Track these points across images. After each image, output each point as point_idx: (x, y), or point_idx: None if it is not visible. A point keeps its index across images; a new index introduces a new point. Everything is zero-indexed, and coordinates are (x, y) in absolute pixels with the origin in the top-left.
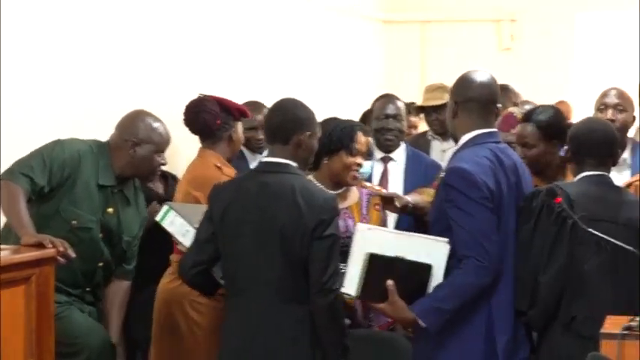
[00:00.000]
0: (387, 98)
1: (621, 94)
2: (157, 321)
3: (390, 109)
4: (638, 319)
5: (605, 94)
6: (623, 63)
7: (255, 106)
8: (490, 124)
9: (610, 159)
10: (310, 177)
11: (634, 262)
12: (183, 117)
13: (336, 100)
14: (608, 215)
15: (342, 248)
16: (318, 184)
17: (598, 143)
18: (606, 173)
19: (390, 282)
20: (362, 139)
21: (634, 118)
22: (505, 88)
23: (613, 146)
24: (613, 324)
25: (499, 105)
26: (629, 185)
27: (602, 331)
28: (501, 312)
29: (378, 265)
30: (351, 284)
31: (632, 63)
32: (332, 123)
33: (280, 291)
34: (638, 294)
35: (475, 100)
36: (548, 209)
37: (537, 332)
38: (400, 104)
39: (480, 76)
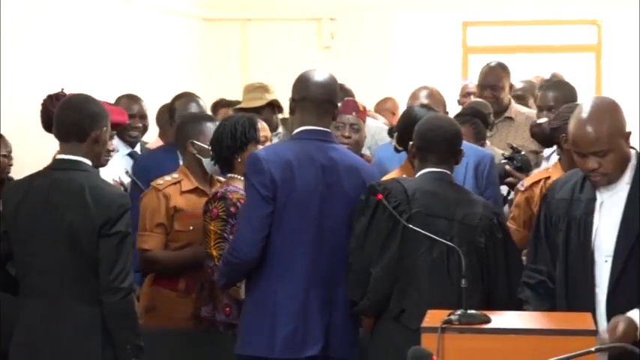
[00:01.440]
0: (189, 97)
1: (431, 94)
2: None
3: (193, 108)
4: (458, 312)
5: (415, 96)
6: (442, 62)
7: (133, 97)
8: (323, 122)
9: (452, 156)
10: (237, 181)
11: (460, 258)
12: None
13: (155, 99)
14: (444, 212)
15: None
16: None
17: (441, 140)
18: (447, 171)
19: None
20: (262, 126)
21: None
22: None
23: (456, 144)
24: (434, 318)
25: (339, 104)
26: (537, 182)
27: (423, 325)
28: (285, 302)
29: None
30: None
31: (450, 62)
32: (224, 124)
33: (71, 290)
34: (463, 289)
35: (309, 99)
36: (384, 204)
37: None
38: (201, 103)
39: (318, 76)
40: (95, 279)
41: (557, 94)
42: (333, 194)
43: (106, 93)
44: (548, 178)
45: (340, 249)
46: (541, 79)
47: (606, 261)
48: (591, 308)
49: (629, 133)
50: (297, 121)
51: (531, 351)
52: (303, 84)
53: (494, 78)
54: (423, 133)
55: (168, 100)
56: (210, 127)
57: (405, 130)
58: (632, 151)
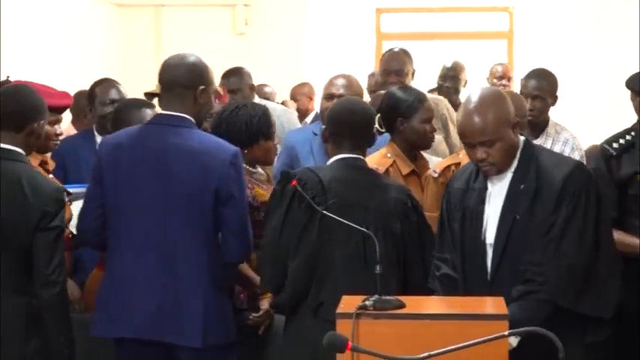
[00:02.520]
0: (109, 83)
1: (349, 85)
2: None
3: (114, 94)
4: (372, 298)
5: (331, 84)
6: (356, 49)
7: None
8: (174, 107)
9: (366, 141)
10: None
11: (377, 246)
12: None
13: (68, 85)
14: (359, 200)
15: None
16: None
17: (356, 125)
18: (361, 156)
19: None
20: (274, 121)
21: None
22: (238, 71)
23: (370, 129)
24: (348, 304)
25: (201, 87)
26: (448, 167)
27: (338, 311)
28: (119, 284)
29: None
30: None
31: (364, 48)
32: (234, 116)
33: (3, 282)
34: (377, 275)
35: (168, 83)
36: (301, 195)
37: (285, 315)
38: (122, 89)
39: (175, 60)
40: (23, 269)
41: (541, 82)
42: (165, 177)
43: (14, 79)
44: (459, 164)
45: (179, 235)
46: (444, 67)
47: (491, 248)
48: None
49: (517, 122)
50: (161, 106)
51: (445, 335)
52: (163, 69)
53: (398, 63)
54: (337, 118)
55: (81, 86)
56: (150, 114)
57: (387, 111)
58: (521, 139)
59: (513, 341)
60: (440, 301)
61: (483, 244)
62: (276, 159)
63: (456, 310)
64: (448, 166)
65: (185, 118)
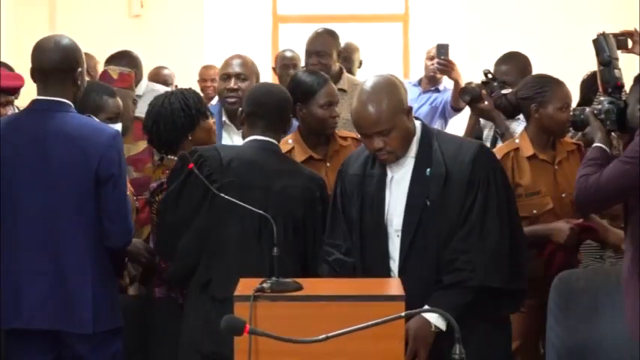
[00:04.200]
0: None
1: (244, 63)
2: None
3: None
4: (270, 280)
5: (227, 64)
6: (253, 31)
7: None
8: (53, 92)
9: (281, 125)
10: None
11: (273, 229)
12: None
13: None
14: (261, 182)
15: None
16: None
17: (271, 107)
18: (274, 140)
19: None
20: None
21: None
22: (127, 55)
23: (285, 113)
24: (246, 286)
25: (79, 69)
26: (507, 154)
27: (236, 293)
28: (6, 276)
29: None
30: None
31: (261, 31)
32: (168, 106)
33: None
34: (275, 258)
35: (39, 69)
36: (199, 173)
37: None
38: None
39: (50, 44)
40: None
41: (508, 66)
42: (46, 164)
43: None
44: (517, 149)
45: (64, 223)
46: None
47: (398, 235)
48: None
49: (410, 108)
50: (39, 91)
51: (343, 317)
52: (32, 53)
53: (320, 44)
54: (252, 99)
55: None
56: (110, 102)
57: (292, 97)
58: (417, 124)
59: (442, 325)
60: (338, 283)
61: (386, 230)
62: None
63: (354, 292)
64: (507, 153)
65: (64, 102)
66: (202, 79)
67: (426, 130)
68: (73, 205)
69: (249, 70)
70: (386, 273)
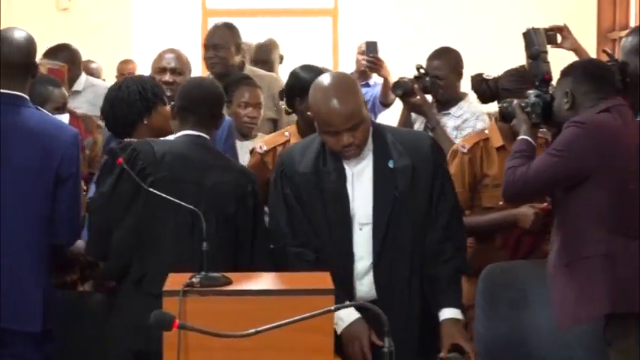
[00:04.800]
0: None
1: (179, 57)
2: None
3: None
4: (199, 275)
5: (161, 57)
6: (182, 25)
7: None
8: (18, 86)
9: (213, 120)
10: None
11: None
12: None
13: None
14: (193, 177)
15: None
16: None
17: (202, 102)
18: (206, 135)
19: None
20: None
21: None
22: (66, 49)
23: (217, 108)
24: (175, 281)
25: (35, 63)
26: (476, 143)
27: (165, 289)
28: None
29: None
30: None
31: (190, 25)
32: (125, 90)
33: None
34: (204, 253)
35: (5, 62)
36: (132, 166)
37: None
38: None
39: (8, 38)
40: None
41: (440, 61)
42: (3, 160)
43: None
44: (487, 139)
45: (20, 215)
46: (257, 42)
47: (361, 229)
48: (351, 276)
49: (365, 100)
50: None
51: (272, 311)
52: None
53: (217, 37)
54: (184, 93)
55: None
56: (56, 92)
57: (291, 92)
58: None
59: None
60: (268, 278)
61: (350, 224)
62: None
63: (283, 286)
64: (477, 142)
65: (24, 97)
66: (120, 74)
67: (374, 123)
68: (29, 203)
69: (183, 65)
70: (350, 267)
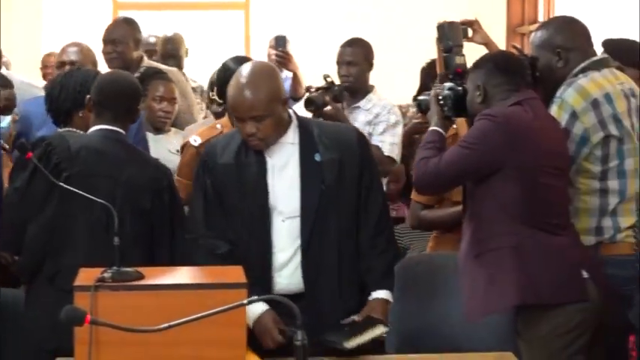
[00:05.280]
0: None
1: (80, 50)
2: None
3: None
4: (110, 270)
5: (63, 51)
6: (93, 17)
7: None
8: None
9: (128, 115)
10: None
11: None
12: None
13: None
14: (109, 171)
15: None
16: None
17: (117, 96)
18: (121, 130)
19: None
20: None
21: None
22: None
23: (134, 103)
24: (87, 276)
25: None
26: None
27: (76, 283)
28: None
29: None
30: None
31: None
32: (68, 78)
33: None
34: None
35: None
36: (47, 161)
37: (24, 284)
38: None
39: None
40: None
41: (355, 49)
42: None
43: None
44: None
45: None
46: (164, 37)
47: (283, 221)
48: (269, 268)
49: (287, 98)
50: None
51: (185, 305)
52: None
53: (115, 32)
54: (100, 88)
55: None
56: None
57: (221, 82)
58: (292, 113)
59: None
60: (182, 272)
61: (268, 216)
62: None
63: (196, 280)
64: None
65: None
66: (44, 66)
67: (301, 118)
68: None
69: (85, 58)
70: (269, 259)
